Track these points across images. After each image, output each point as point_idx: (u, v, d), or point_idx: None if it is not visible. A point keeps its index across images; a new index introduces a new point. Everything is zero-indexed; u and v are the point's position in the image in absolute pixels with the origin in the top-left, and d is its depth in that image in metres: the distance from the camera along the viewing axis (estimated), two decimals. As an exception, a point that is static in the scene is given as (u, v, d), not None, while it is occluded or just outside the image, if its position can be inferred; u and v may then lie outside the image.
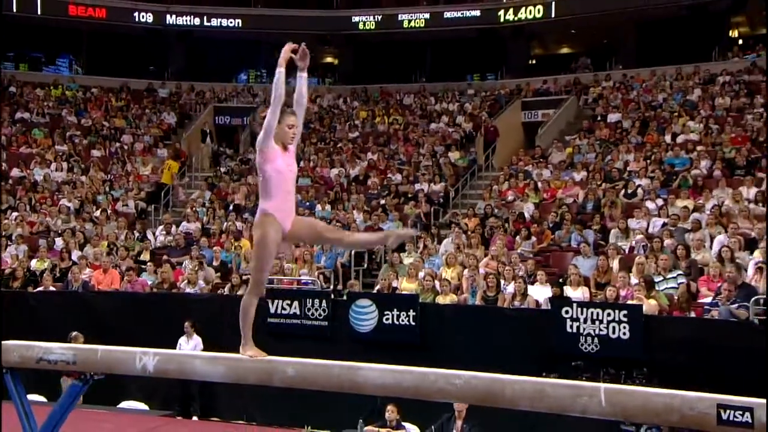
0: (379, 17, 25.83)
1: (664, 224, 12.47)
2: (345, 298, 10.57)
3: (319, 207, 16.35)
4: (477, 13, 24.99)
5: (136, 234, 14.57)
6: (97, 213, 15.87)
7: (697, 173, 14.87)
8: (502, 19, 24.61)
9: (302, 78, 4.29)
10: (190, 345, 10.41)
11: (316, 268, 12.51)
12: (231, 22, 26.52)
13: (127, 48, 26.83)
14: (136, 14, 26.17)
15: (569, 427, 6.50)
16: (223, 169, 19.86)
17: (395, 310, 9.91)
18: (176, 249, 13.77)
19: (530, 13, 24.35)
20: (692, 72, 21.24)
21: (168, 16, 26.41)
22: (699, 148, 16.10)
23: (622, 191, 14.57)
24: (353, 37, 26.62)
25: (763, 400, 2.97)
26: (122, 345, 10.50)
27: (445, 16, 25.36)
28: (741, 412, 2.99)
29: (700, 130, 17.31)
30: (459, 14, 25.20)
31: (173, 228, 15.00)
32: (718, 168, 14.92)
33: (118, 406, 9.58)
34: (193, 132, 22.69)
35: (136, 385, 10.15)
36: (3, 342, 4.51)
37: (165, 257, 13.26)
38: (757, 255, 10.18)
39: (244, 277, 11.32)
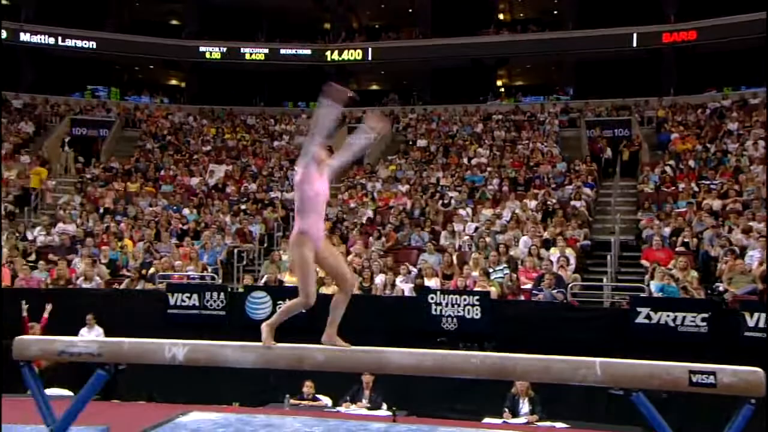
0: (224, 49, 24.81)
1: (476, 228, 13.29)
2: (241, 290, 10.03)
3: (186, 210, 15.39)
4: (308, 51, 24.88)
5: (16, 234, 12.73)
6: (-31, 215, 13.66)
7: (491, 188, 15.98)
8: (328, 58, 24.72)
9: (363, 139, 4.09)
10: (91, 335, 9.32)
11: (201, 265, 11.75)
12: (85, 44, 24.05)
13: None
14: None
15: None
16: (88, 176, 17.95)
17: (287, 299, 9.56)
18: (61, 248, 12.25)
19: (351, 55, 24.74)
20: (474, 110, 22.78)
21: (21, 34, 23.34)
22: (489, 169, 17.30)
23: (439, 202, 15.28)
24: (199, 64, 25.33)
25: (724, 366, 3.30)
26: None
27: (281, 52, 24.92)
28: (706, 376, 3.30)
29: (487, 155, 18.62)
30: (293, 51, 24.91)
31: (52, 229, 13.35)
32: (506, 185, 16.15)
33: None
34: (52, 141, 20.24)
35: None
36: (21, 337, 3.82)
37: (51, 256, 11.75)
38: (554, 251, 11.16)
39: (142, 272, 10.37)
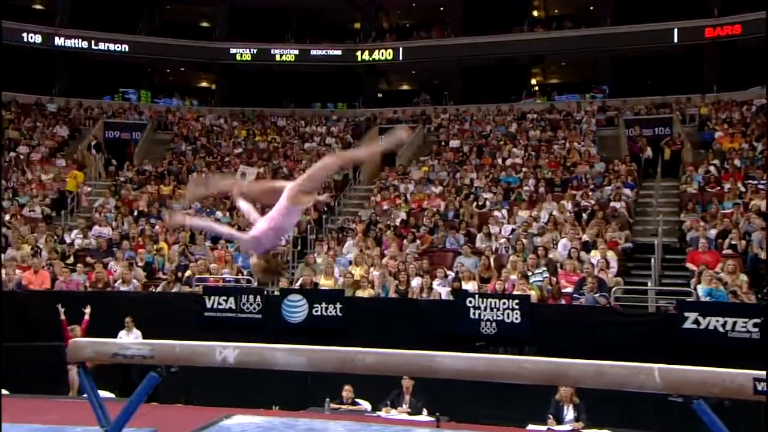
0: (255, 50, 25.09)
1: (513, 230, 13.22)
2: (277, 293, 10.16)
3: (219, 213, 15.60)
4: (339, 52, 25.04)
5: (55, 237, 13.08)
6: (7, 217, 14.08)
7: (527, 189, 15.87)
8: (359, 59, 24.83)
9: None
10: (130, 338, 9.53)
11: (236, 268, 11.93)
12: (118, 47, 24.55)
13: (15, 64, 23.96)
14: (24, 35, 23.48)
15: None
16: (122, 179, 18.33)
17: (323, 303, 9.69)
18: (98, 251, 12.53)
19: (382, 55, 24.81)
20: (508, 109, 22.66)
21: (56, 38, 23.95)
22: (524, 169, 17.18)
23: (474, 203, 15.23)
24: (230, 66, 25.67)
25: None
26: (62, 341, 9.41)
27: (311, 53, 25.13)
28: (772, 383, 3.24)
29: (522, 155, 18.49)
30: (323, 52, 25.09)
31: (88, 232, 13.68)
32: (542, 186, 16.02)
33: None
34: (86, 144, 20.71)
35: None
36: (75, 339, 3.95)
37: (89, 258, 12.05)
38: (594, 254, 11.06)
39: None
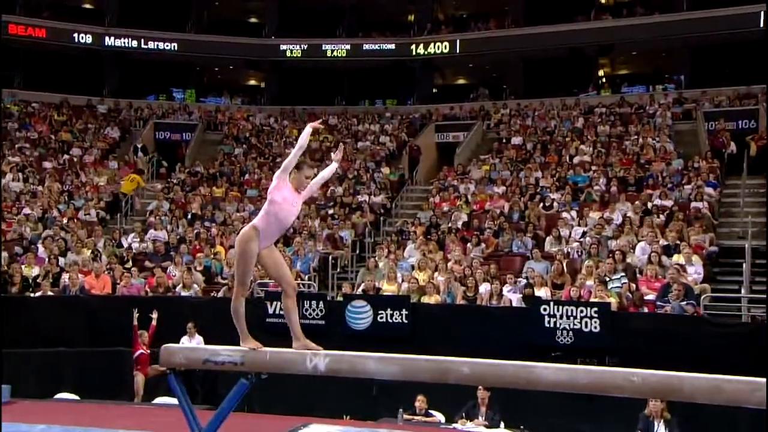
0: (305, 46, 25.47)
1: (584, 233, 13.07)
2: (340, 299, 10.33)
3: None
4: (392, 46, 25.19)
5: (113, 241, 13.61)
6: (65, 221, 14.73)
7: (597, 189, 15.64)
8: (414, 53, 24.93)
9: (332, 167, 4.72)
10: (192, 344, 9.84)
11: (295, 272, 12.16)
12: (167, 46, 25.30)
13: (66, 66, 25.02)
14: (75, 35, 24.46)
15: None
16: (174, 181, 18.90)
17: (389, 309, 9.81)
18: (156, 255, 12.99)
19: (438, 48, 24.83)
20: (574, 103, 22.35)
21: (107, 38, 24.86)
22: (594, 167, 16.93)
23: (540, 204, 15.10)
24: (279, 63, 26.13)
25: None
26: (126, 345, 9.80)
27: (363, 48, 25.35)
28: None
29: (591, 152, 18.22)
30: (376, 47, 25.29)
31: (145, 236, 14.18)
32: (614, 185, 15.75)
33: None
34: (133, 147, 21.34)
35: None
36: (168, 345, 4.18)
37: (147, 263, 12.50)
38: (677, 258, 10.85)
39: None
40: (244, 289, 4.42)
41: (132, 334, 9.28)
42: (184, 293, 10.99)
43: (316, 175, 4.46)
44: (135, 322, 9.31)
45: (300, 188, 4.30)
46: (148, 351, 8.98)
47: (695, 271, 10.29)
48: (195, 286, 11.16)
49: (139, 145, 20.88)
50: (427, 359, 3.98)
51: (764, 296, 9.67)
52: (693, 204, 13.56)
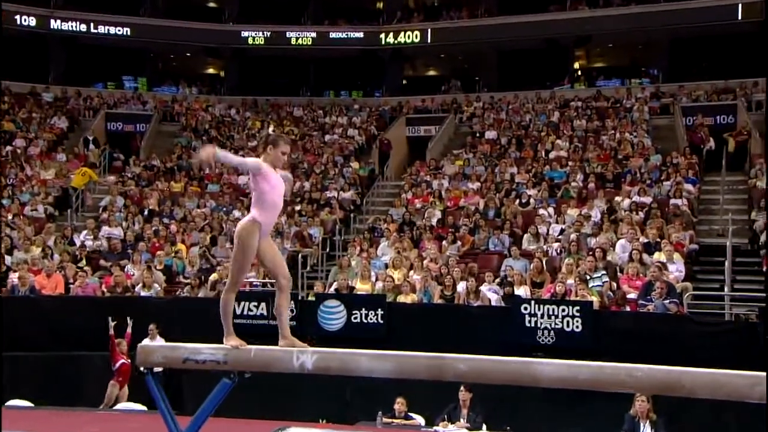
0: (268, 33, 25.32)
1: (562, 230, 13.30)
2: (312, 298, 10.33)
3: (237, 212, 15.80)
4: (360, 35, 25.20)
5: (64, 238, 13.36)
6: (10, 217, 14.39)
7: (575, 185, 15.89)
8: (383, 42, 24.98)
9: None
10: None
11: (263, 272, 12.10)
12: (119, 30, 24.87)
13: (7, 50, 24.34)
14: (17, 17, 23.87)
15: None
16: (129, 175, 18.62)
17: (363, 309, 9.85)
18: (112, 253, 12.79)
19: (408, 37, 24.94)
20: (549, 97, 22.66)
21: (52, 21, 24.32)
22: (570, 163, 17.21)
23: (516, 200, 15.30)
24: (241, 51, 25.91)
25: None
26: (83, 349, 9.66)
27: (330, 36, 25.31)
28: None
29: (567, 147, 18.51)
30: (344, 35, 25.27)
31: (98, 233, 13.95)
32: (592, 181, 16.03)
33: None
34: (83, 140, 20.92)
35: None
36: (145, 344, 4.15)
37: (102, 261, 12.32)
38: (658, 256, 11.11)
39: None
40: (237, 285, 4.43)
41: (110, 343, 9.14)
42: (144, 293, 10.86)
43: (289, 146, 4.45)
44: (111, 331, 9.15)
45: (277, 165, 4.32)
46: (129, 360, 8.85)
47: (677, 269, 10.56)
48: (156, 285, 11.04)
49: (90, 137, 20.51)
50: (423, 356, 4.03)
51: (748, 294, 9.98)
52: (672, 201, 13.90)
